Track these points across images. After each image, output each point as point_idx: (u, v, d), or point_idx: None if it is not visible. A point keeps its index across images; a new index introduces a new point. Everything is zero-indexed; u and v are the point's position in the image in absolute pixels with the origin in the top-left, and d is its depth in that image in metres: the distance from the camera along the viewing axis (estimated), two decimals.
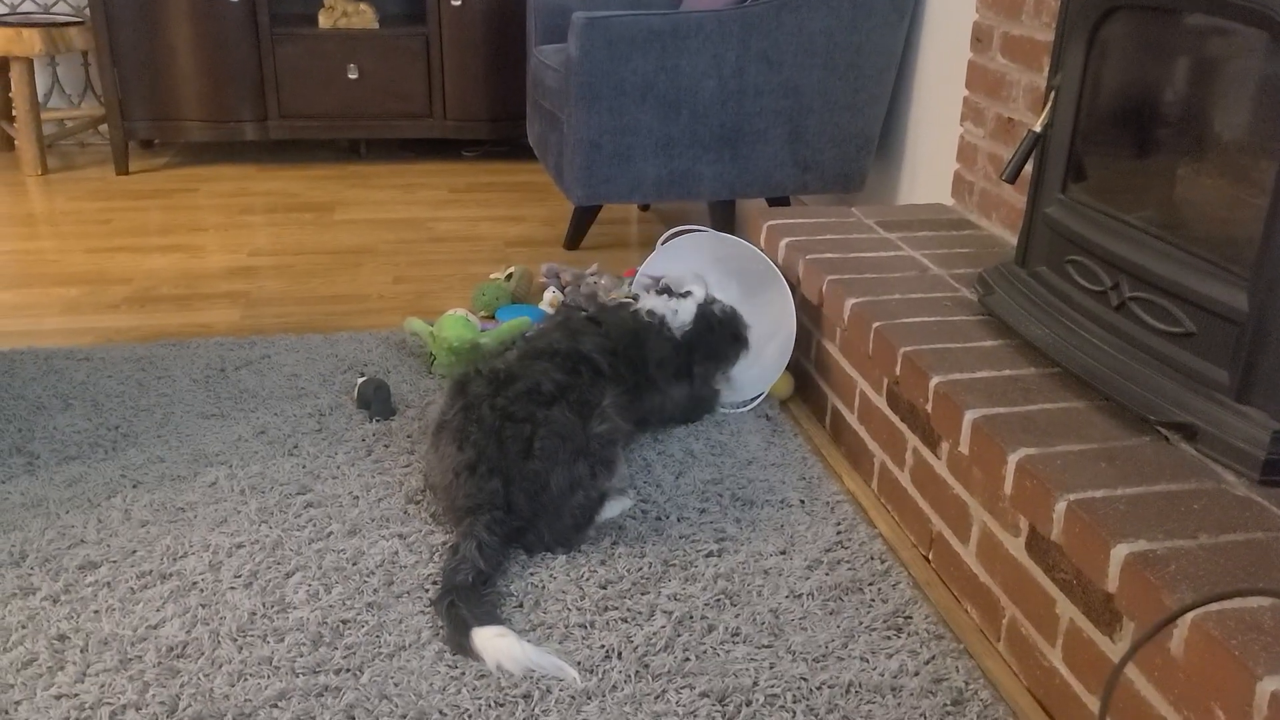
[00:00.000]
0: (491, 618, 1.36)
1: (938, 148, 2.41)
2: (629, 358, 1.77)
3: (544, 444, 1.52)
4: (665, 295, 1.90)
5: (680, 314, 1.86)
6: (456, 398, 1.61)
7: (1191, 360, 1.31)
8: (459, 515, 1.53)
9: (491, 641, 1.31)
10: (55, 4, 3.76)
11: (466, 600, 1.37)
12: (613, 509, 1.62)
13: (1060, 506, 1.18)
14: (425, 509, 1.63)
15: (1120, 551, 1.09)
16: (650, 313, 1.84)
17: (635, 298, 1.89)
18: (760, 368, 2.01)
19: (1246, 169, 1.31)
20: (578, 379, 1.63)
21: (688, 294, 1.90)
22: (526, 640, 1.32)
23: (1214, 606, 0.99)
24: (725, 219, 2.82)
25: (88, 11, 3.41)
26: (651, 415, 1.84)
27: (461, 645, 1.32)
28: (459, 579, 1.40)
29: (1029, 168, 1.67)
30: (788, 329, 1.96)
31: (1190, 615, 0.99)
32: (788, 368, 2.10)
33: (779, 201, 2.81)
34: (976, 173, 2.15)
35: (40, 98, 3.76)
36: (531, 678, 1.29)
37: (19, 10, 3.71)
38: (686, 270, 2.05)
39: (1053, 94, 1.60)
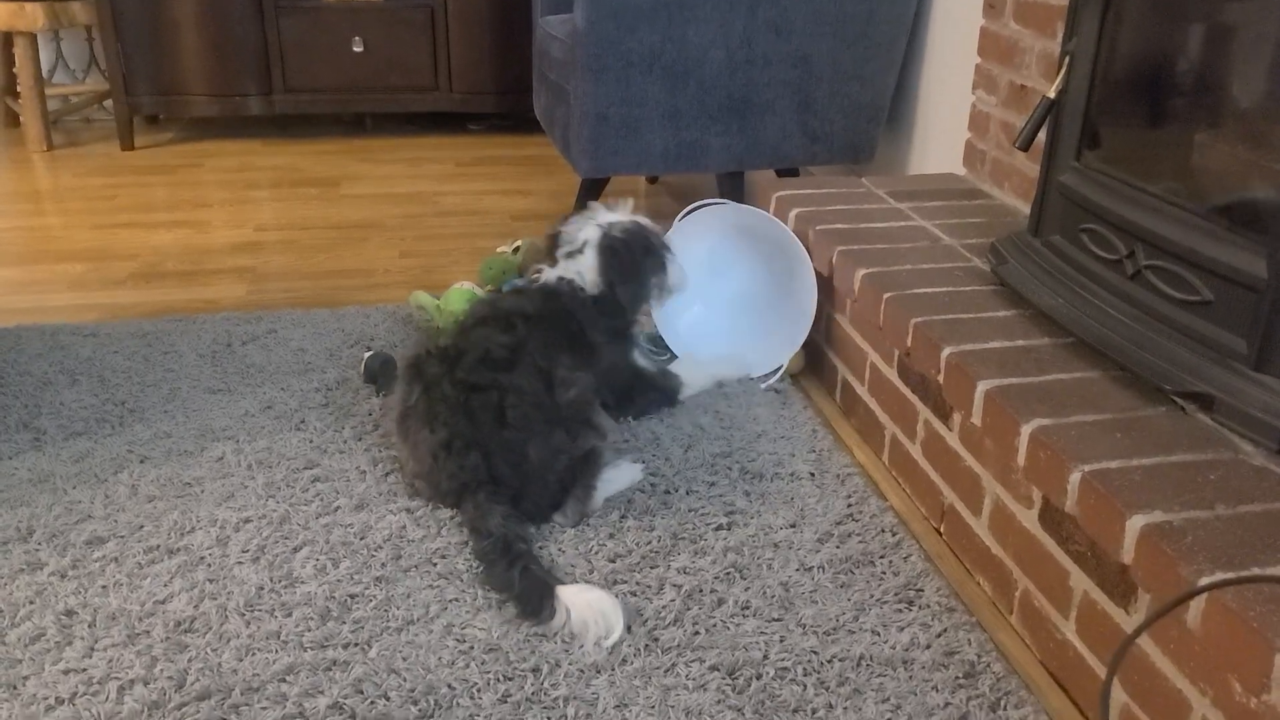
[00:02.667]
0: (556, 578, 1.39)
1: (949, 117, 2.38)
2: (560, 311, 1.71)
3: (515, 412, 1.51)
4: (564, 259, 1.79)
5: (584, 271, 1.76)
6: (414, 383, 1.58)
7: (1208, 329, 1.29)
8: (449, 498, 1.53)
9: (580, 596, 1.32)
10: None
11: (537, 563, 1.39)
12: (621, 479, 1.61)
13: (1075, 478, 1.16)
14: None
15: (1136, 523, 1.07)
16: (560, 279, 1.75)
17: (539, 273, 1.80)
18: (777, 339, 1.98)
19: (1265, 134, 1.28)
20: (516, 333, 1.61)
21: (583, 246, 1.78)
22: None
23: (1230, 575, 0.98)
24: (734, 191, 2.79)
25: None
26: (602, 384, 1.74)
27: (538, 608, 1.33)
28: (520, 546, 1.41)
29: (1042, 135, 1.64)
30: (808, 301, 1.93)
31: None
32: None
33: (788, 173, 2.78)
34: (989, 141, 2.12)
35: (44, 73, 3.74)
36: (539, 653, 1.28)
37: None
38: (692, 240, 2.02)
39: (1067, 60, 1.57)
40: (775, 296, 2.02)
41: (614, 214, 1.83)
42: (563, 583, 1.36)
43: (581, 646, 1.29)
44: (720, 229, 2.06)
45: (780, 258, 1.99)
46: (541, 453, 1.50)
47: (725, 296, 2.08)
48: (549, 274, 1.78)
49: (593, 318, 1.75)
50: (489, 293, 1.91)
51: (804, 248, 1.93)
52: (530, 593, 1.34)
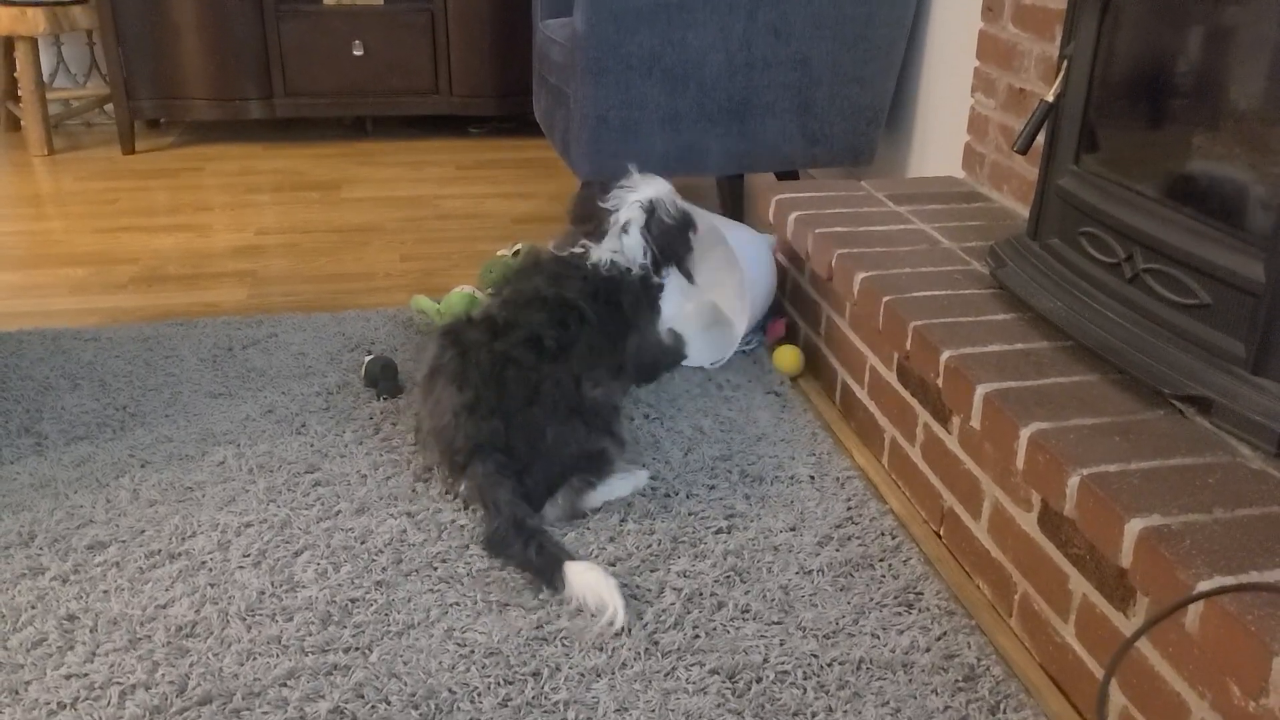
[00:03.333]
0: (567, 554, 1.43)
1: (948, 119, 2.38)
2: (609, 303, 1.72)
3: (548, 397, 1.55)
4: (612, 238, 1.77)
5: (630, 251, 1.75)
6: (449, 345, 1.61)
7: (1206, 332, 1.29)
8: (457, 457, 1.54)
9: (582, 575, 1.37)
10: None
11: (548, 537, 1.44)
12: (623, 486, 1.61)
13: (1073, 481, 1.17)
14: (433, 487, 1.63)
15: (1134, 526, 1.07)
16: (612, 264, 1.74)
17: (585, 249, 1.77)
18: (723, 324, 2.05)
19: (1263, 138, 1.28)
20: (567, 331, 1.63)
21: (627, 225, 1.77)
22: (544, 609, 1.32)
23: (1229, 580, 0.98)
24: (733, 193, 2.80)
25: None
26: (629, 362, 1.76)
27: (554, 580, 1.39)
28: (532, 522, 1.46)
29: (1041, 138, 1.64)
30: (740, 275, 1.98)
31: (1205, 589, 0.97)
32: (797, 344, 2.09)
33: (787, 175, 2.78)
34: (988, 144, 2.12)
35: (45, 77, 3.74)
36: (540, 657, 1.28)
37: None
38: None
39: (1065, 63, 1.58)
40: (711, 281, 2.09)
41: (650, 188, 1.81)
42: (572, 558, 1.40)
43: (582, 650, 1.29)
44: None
45: (711, 248, 2.06)
46: (558, 435, 1.54)
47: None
48: (597, 252, 1.74)
49: (637, 300, 1.76)
50: (527, 256, 1.85)
51: (719, 227, 2.00)
52: (546, 566, 1.40)
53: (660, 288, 1.81)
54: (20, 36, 3.35)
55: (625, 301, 1.74)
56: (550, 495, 1.55)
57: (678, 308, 2.12)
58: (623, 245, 1.76)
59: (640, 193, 1.80)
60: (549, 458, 1.54)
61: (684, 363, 1.95)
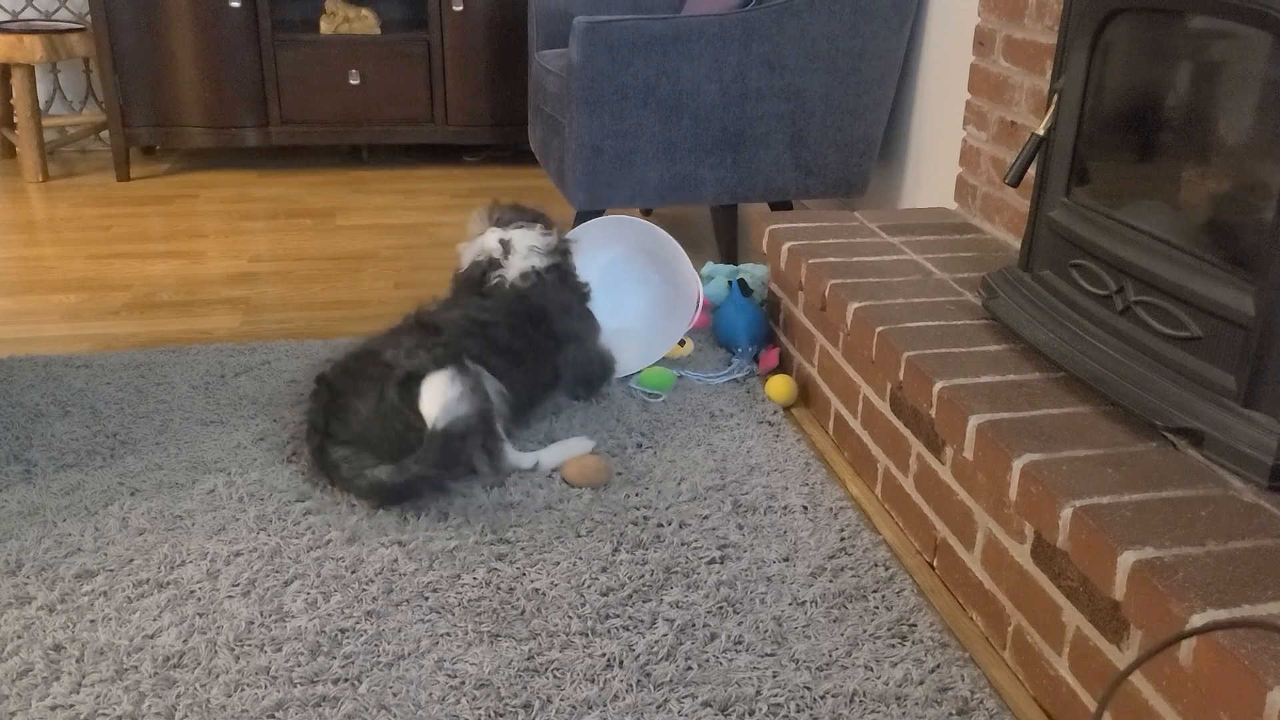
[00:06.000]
0: None
1: (940, 151, 2.40)
2: (529, 315, 1.86)
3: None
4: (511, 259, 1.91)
5: (522, 255, 1.90)
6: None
7: (1198, 365, 1.30)
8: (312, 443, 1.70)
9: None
10: (57, 10, 3.76)
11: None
12: (559, 452, 1.75)
13: (1066, 513, 1.17)
14: (424, 517, 1.62)
15: (1128, 559, 1.07)
16: (523, 275, 1.88)
17: (492, 264, 1.90)
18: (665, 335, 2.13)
19: (1252, 172, 1.29)
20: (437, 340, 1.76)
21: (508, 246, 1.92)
22: (522, 649, 1.31)
23: (1223, 615, 0.98)
24: (727, 223, 2.81)
25: (89, 18, 3.40)
26: (566, 371, 1.91)
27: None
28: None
29: (1032, 171, 1.66)
30: (687, 293, 2.11)
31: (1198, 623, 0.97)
32: (789, 373, 2.09)
33: (781, 205, 2.79)
34: (979, 176, 2.14)
35: (42, 104, 3.76)
36: (530, 689, 1.27)
37: (20, 17, 3.70)
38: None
39: (1056, 97, 1.59)
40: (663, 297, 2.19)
41: (503, 227, 1.95)
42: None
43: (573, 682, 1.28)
44: (611, 245, 2.22)
45: (668, 263, 2.15)
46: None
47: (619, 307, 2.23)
48: (508, 272, 1.88)
49: (564, 301, 1.90)
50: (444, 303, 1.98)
51: (675, 247, 2.12)
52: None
53: (578, 280, 1.95)
54: (17, 64, 3.36)
55: (552, 307, 1.87)
56: (438, 471, 1.60)
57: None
58: (521, 260, 1.88)
59: (497, 233, 1.94)
60: (383, 450, 1.62)
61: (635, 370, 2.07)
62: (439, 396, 1.54)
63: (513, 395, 1.77)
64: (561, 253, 1.96)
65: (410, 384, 1.61)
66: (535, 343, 1.85)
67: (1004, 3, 2.01)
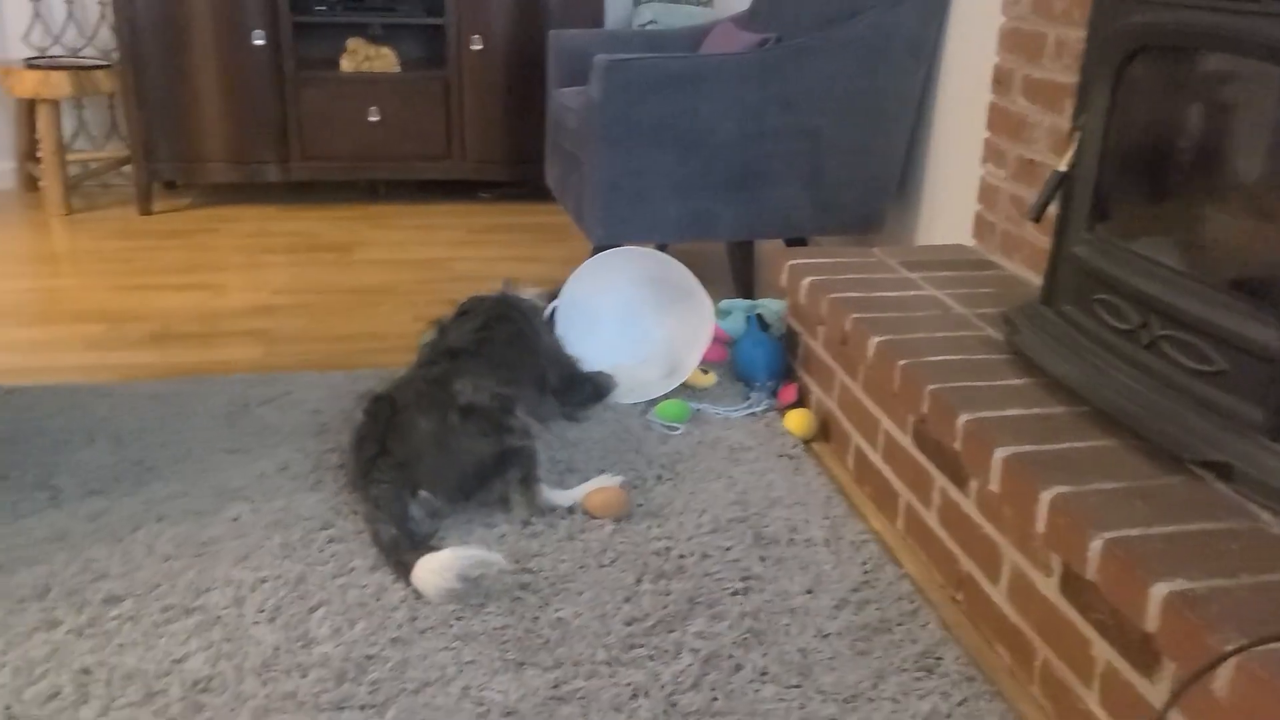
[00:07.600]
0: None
1: (957, 189, 2.42)
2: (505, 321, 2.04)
3: (421, 413, 1.75)
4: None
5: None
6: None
7: (1224, 398, 1.30)
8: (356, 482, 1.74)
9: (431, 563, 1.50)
10: (83, 48, 3.82)
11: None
12: (586, 489, 1.76)
13: (1096, 544, 1.17)
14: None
15: (1160, 590, 1.07)
16: (503, 293, 2.14)
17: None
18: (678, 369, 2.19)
19: (1274, 207, 1.31)
20: (456, 361, 1.89)
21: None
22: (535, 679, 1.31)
23: (1259, 647, 0.98)
24: (744, 259, 2.83)
25: (115, 55, 3.46)
26: (554, 376, 2.05)
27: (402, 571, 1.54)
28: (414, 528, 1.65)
29: (1053, 207, 1.67)
30: (703, 331, 2.17)
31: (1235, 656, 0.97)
32: (808, 407, 2.10)
33: (796, 242, 2.82)
34: (998, 213, 2.16)
35: (66, 139, 3.81)
36: (557, 717, 1.27)
37: (47, 54, 3.76)
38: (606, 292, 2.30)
39: (1077, 134, 1.61)
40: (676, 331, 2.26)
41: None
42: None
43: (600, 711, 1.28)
44: (618, 276, 2.30)
45: (679, 299, 2.24)
46: (436, 441, 1.73)
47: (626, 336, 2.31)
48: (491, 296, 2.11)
49: (534, 309, 2.14)
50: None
51: (694, 281, 2.20)
52: (401, 562, 1.55)
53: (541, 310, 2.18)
54: (43, 99, 3.41)
55: (527, 309, 2.09)
56: (466, 498, 1.68)
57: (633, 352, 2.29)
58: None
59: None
60: (435, 467, 1.66)
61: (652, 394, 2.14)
62: (438, 579, 1.50)
63: (518, 390, 1.87)
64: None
65: (471, 411, 1.71)
66: (515, 337, 2.02)
67: (1023, 43, 2.04)
